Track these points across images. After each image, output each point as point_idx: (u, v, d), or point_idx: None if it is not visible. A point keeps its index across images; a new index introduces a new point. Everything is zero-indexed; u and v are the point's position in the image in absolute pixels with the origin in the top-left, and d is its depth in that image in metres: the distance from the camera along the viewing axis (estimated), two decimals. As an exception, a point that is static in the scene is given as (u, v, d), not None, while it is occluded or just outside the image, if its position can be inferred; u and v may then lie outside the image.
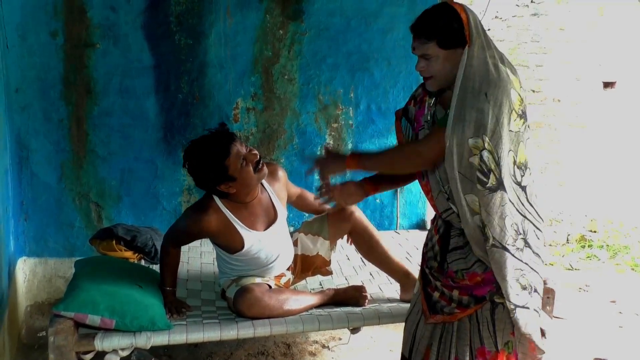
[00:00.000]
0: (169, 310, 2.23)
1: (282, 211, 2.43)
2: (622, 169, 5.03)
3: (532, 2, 4.87)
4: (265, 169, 2.26)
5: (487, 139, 1.55)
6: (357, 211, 2.51)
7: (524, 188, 1.65)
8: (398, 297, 2.49)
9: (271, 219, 2.38)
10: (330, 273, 2.59)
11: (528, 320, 1.69)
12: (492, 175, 1.57)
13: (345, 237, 2.56)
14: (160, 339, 2.07)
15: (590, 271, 4.27)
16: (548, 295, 2.25)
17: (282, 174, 2.49)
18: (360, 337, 2.88)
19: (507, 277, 1.64)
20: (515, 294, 1.65)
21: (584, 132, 5.03)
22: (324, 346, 2.97)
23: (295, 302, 2.28)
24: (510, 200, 1.61)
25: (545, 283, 2.26)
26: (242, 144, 2.23)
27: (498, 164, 1.57)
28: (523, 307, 1.67)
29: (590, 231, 4.89)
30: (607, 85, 5.02)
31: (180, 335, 2.09)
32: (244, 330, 2.14)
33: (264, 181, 2.38)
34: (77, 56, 3.23)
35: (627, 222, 4.95)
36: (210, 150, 2.16)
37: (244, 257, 2.34)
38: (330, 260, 2.55)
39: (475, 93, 1.55)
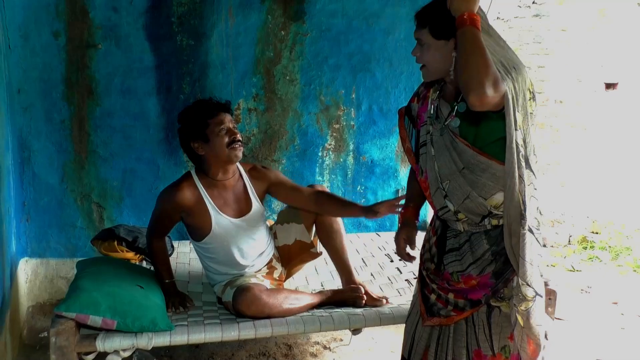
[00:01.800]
0: (172, 305, 2.25)
1: (257, 206, 2.45)
2: (624, 170, 5.03)
3: (533, 3, 4.87)
4: (239, 153, 2.33)
5: (521, 112, 1.56)
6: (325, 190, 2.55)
7: (534, 173, 1.65)
8: (401, 299, 2.49)
9: (244, 211, 2.41)
10: (318, 254, 2.57)
11: (543, 310, 1.67)
12: (522, 152, 1.57)
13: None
14: (161, 340, 2.07)
15: (592, 272, 4.26)
16: (550, 297, 2.24)
17: (264, 172, 2.50)
18: (361, 338, 2.87)
19: (534, 262, 1.61)
20: (537, 280, 1.63)
21: (586, 133, 5.02)
22: (325, 347, 2.97)
23: (294, 300, 2.29)
24: (533, 182, 1.60)
25: (546, 284, 2.26)
26: (232, 121, 2.36)
27: (524, 141, 1.57)
28: (542, 296, 1.65)
29: (592, 232, 4.89)
30: (609, 86, 5.01)
31: (181, 336, 2.09)
32: (245, 331, 2.14)
33: (243, 173, 2.46)
34: (79, 57, 3.23)
35: (629, 223, 4.94)
36: (203, 106, 2.36)
37: (212, 245, 2.37)
38: (312, 242, 2.53)
39: (505, 70, 1.56)
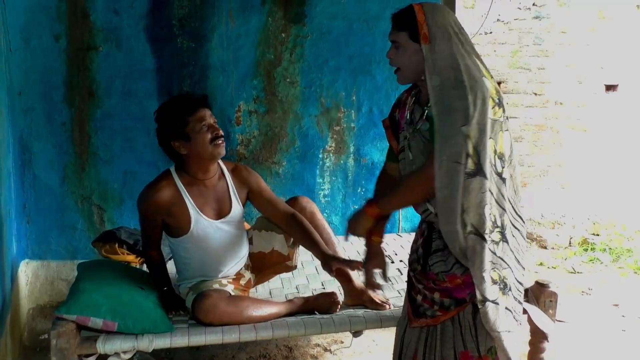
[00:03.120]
0: (169, 310, 2.23)
1: (238, 207, 2.38)
2: (624, 171, 5.02)
3: (533, 5, 4.86)
4: (222, 150, 2.25)
5: (473, 124, 1.56)
6: (310, 204, 2.49)
7: (503, 180, 1.64)
8: (401, 300, 2.48)
9: (224, 211, 2.34)
10: (292, 268, 2.52)
11: (498, 317, 1.65)
12: (470, 160, 1.57)
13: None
14: (162, 342, 2.06)
15: (593, 274, 4.26)
16: (551, 299, 2.24)
17: (247, 175, 2.43)
18: (362, 340, 2.87)
19: (481, 266, 1.61)
20: (486, 286, 1.63)
21: (587, 134, 5.02)
22: (326, 349, 2.96)
23: (257, 309, 2.21)
24: (489, 189, 1.60)
25: (547, 286, 2.26)
26: (212, 116, 2.28)
27: (476, 149, 1.57)
28: (493, 302, 1.64)
29: (593, 234, 4.88)
30: (609, 88, 5.01)
31: (182, 338, 2.09)
32: (245, 334, 2.14)
33: (226, 172, 2.39)
34: (80, 59, 3.24)
35: (630, 225, 4.94)
36: (180, 103, 2.26)
37: (189, 245, 2.30)
38: (289, 255, 2.46)
39: (452, 84, 1.58)
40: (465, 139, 1.55)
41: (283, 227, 2.41)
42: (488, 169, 1.59)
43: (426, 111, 1.70)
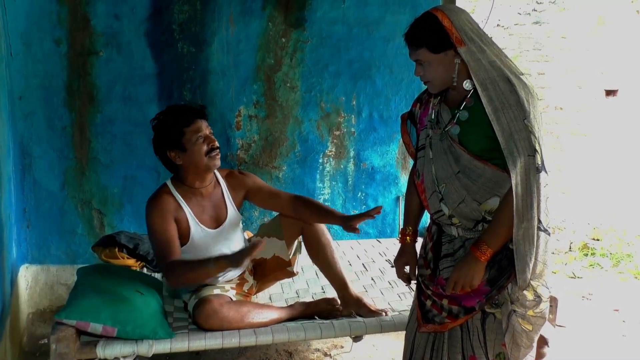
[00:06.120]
0: (237, 262, 1.98)
1: (233, 212, 2.40)
2: (625, 176, 5.03)
3: (534, 10, 4.88)
4: (218, 161, 2.27)
5: (531, 118, 1.56)
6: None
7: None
8: (401, 305, 2.49)
9: (221, 218, 2.36)
10: (293, 274, 2.53)
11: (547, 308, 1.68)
12: (537, 155, 1.56)
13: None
14: (162, 347, 2.07)
15: (593, 279, 4.26)
16: (551, 304, 2.24)
17: (241, 178, 2.44)
18: (362, 345, 2.87)
19: (547, 262, 1.62)
20: (549, 281, 1.64)
21: (587, 140, 5.03)
22: (326, 354, 2.96)
23: (258, 315, 2.23)
24: (547, 184, 1.60)
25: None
26: (208, 127, 2.30)
27: (539, 143, 1.57)
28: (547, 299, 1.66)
29: (593, 239, 4.88)
30: (609, 93, 5.02)
31: (182, 343, 2.09)
32: (245, 338, 2.14)
33: (221, 180, 2.40)
34: (80, 64, 3.24)
35: (630, 230, 4.94)
36: (177, 113, 2.27)
37: (189, 254, 2.28)
38: (290, 261, 2.47)
39: (499, 81, 1.57)
40: (530, 132, 1.55)
41: (291, 214, 2.42)
42: (547, 163, 1.59)
43: (457, 115, 1.68)
